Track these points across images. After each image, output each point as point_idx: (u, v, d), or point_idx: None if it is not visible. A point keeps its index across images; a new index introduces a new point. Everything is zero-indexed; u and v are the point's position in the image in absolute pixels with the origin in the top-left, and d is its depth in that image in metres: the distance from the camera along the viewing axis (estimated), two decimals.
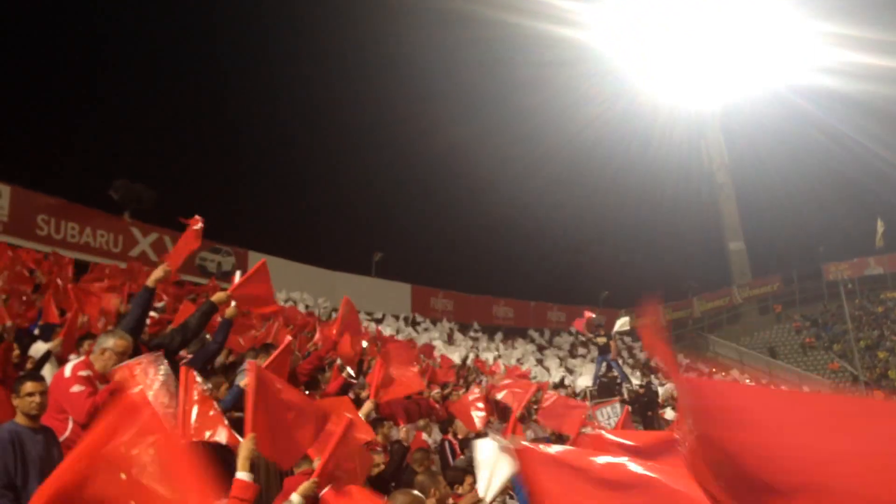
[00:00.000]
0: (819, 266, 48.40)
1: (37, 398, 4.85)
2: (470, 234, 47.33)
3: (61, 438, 5.07)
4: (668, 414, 20.92)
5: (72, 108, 36.58)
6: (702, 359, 41.43)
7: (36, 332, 8.47)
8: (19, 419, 4.81)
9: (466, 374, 18.95)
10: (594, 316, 22.36)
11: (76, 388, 5.18)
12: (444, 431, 10.30)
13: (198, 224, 6.86)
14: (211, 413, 4.86)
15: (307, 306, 26.00)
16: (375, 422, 7.61)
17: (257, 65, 44.68)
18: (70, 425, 5.19)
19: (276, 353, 7.09)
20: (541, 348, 34.99)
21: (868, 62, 40.53)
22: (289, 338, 8.23)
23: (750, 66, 44.82)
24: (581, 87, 44.99)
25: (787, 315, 46.93)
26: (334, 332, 9.77)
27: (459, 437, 9.79)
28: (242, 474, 4.31)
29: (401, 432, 8.09)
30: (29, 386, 4.91)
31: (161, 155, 36.95)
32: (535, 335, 37.89)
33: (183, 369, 4.96)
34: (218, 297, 6.82)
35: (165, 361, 4.90)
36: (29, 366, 7.04)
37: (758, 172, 47.59)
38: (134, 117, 37.87)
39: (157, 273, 6.34)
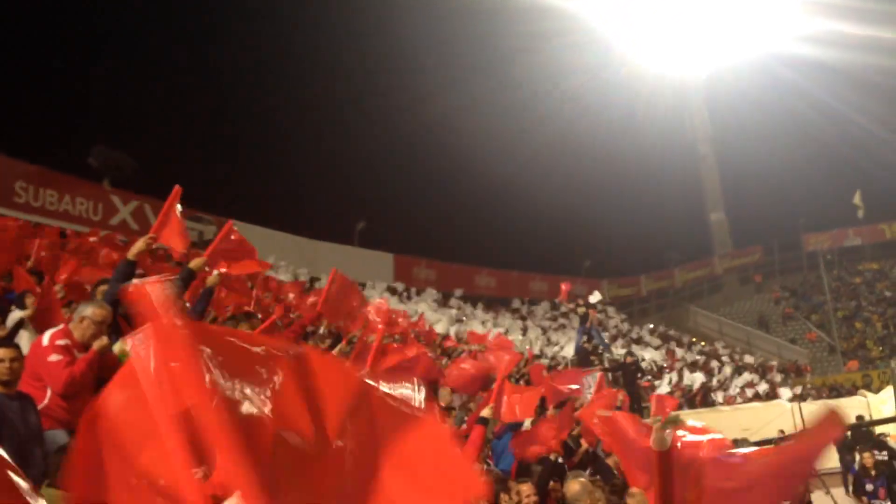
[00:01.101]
0: (799, 237, 48.76)
1: (7, 364, 4.81)
2: (453, 203, 47.27)
3: (39, 406, 5.05)
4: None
5: (50, 74, 36.03)
6: (682, 329, 41.80)
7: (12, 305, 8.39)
8: None
9: (449, 347, 19.02)
10: (571, 287, 22.44)
11: (53, 358, 5.17)
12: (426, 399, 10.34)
13: (177, 200, 6.78)
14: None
15: (297, 276, 25.96)
16: None
17: (240, 33, 44.12)
18: (48, 393, 5.17)
19: (261, 328, 7.10)
20: (523, 318, 35.15)
21: (852, 31, 40.55)
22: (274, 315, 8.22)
23: (734, 35, 44.70)
24: (565, 58, 44.74)
25: (767, 285, 47.38)
26: (318, 302, 9.77)
27: (443, 405, 9.85)
28: None
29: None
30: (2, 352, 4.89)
31: (141, 123, 36.53)
32: (518, 304, 38.04)
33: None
34: (196, 263, 6.80)
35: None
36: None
37: (739, 143, 47.69)
38: (114, 84, 37.36)
39: (139, 245, 6.30)
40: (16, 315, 7.29)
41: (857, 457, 13.61)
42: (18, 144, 24.70)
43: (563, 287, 21.57)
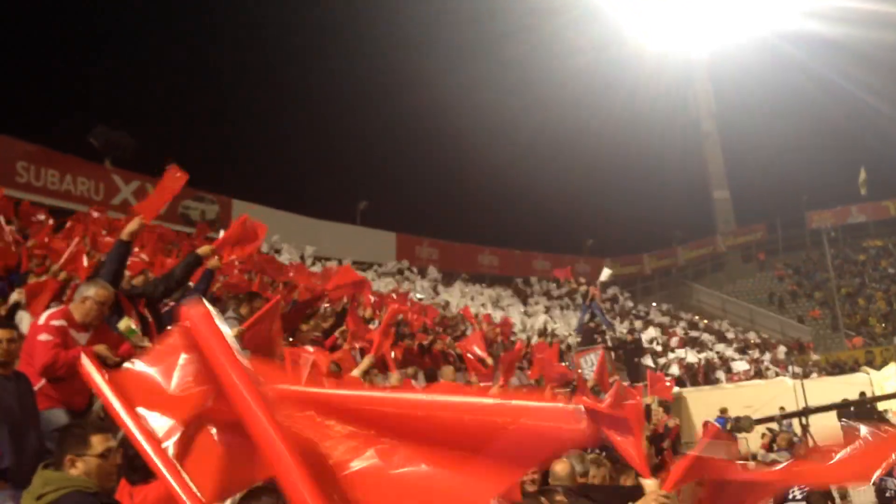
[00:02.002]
0: (803, 214, 48.58)
1: (3, 345, 4.81)
2: (455, 182, 47.18)
3: (37, 386, 5.03)
4: (648, 361, 21.17)
5: (52, 54, 35.91)
6: (685, 307, 41.79)
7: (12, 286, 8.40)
8: None
9: (453, 322, 19.05)
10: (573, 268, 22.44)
11: (43, 337, 5.14)
12: (429, 380, 10.36)
13: (177, 173, 6.74)
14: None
15: (302, 256, 25.98)
16: None
17: (242, 12, 43.84)
18: None
19: (261, 311, 7.09)
20: (525, 297, 35.17)
21: (857, 6, 40.22)
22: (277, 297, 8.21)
23: (738, 12, 44.36)
24: (567, 36, 44.51)
25: (770, 263, 47.26)
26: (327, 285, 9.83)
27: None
28: None
29: (391, 379, 8.14)
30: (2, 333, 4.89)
31: (143, 102, 36.43)
32: (520, 283, 38.05)
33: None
34: (203, 250, 6.79)
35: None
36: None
37: (743, 120, 47.44)
38: (115, 64, 37.22)
39: (132, 226, 6.24)
40: (15, 296, 7.29)
41: None
42: (20, 124, 24.69)
43: (559, 273, 21.57)
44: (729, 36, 45.58)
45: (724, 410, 17.30)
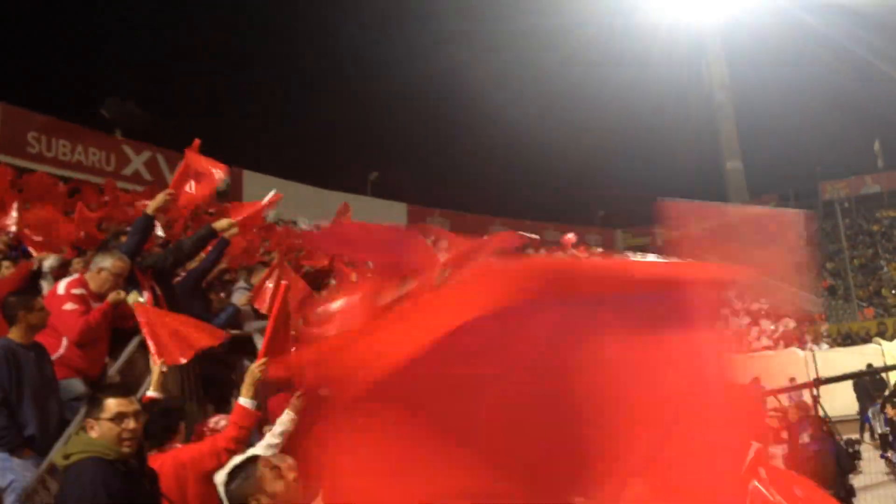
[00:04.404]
0: (816, 185, 48.23)
1: (45, 312, 4.92)
2: (467, 153, 46.97)
3: (54, 356, 5.09)
4: None
5: (62, 24, 35.76)
6: None
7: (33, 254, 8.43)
8: (13, 335, 4.81)
9: None
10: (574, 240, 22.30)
11: (69, 306, 5.19)
12: None
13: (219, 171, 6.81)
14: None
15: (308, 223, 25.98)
16: None
17: None
18: (64, 343, 5.20)
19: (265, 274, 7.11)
20: None
21: None
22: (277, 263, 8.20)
23: None
24: (577, 5, 43.90)
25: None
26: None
27: None
28: (245, 400, 4.37)
29: None
30: (41, 301, 5.00)
31: (154, 74, 36.30)
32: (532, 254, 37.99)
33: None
34: (220, 224, 6.75)
35: None
36: None
37: (756, 90, 46.91)
38: (126, 35, 37.14)
39: (158, 200, 6.29)
40: (51, 261, 7.34)
41: (879, 408, 13.60)
42: (31, 95, 24.66)
43: (566, 239, 21.48)
44: (742, 4, 44.97)
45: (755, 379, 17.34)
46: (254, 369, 4.42)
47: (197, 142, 6.95)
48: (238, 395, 4.54)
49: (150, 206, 6.32)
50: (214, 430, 4.51)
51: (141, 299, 5.68)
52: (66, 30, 35.64)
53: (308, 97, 45.20)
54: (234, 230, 6.98)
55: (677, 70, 45.72)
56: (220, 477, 3.79)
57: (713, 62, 48.07)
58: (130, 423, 3.44)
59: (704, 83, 48.77)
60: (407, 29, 43.12)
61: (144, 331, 4.80)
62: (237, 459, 3.94)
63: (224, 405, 5.85)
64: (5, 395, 4.60)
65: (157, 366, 4.67)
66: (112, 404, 3.43)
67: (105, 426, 3.39)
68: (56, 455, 3.55)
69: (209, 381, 6.18)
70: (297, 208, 26.85)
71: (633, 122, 46.85)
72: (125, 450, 3.44)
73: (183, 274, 7.41)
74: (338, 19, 44.40)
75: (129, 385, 4.44)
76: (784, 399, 14.86)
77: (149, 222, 6.31)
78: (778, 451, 11.53)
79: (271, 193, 7.82)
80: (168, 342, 4.81)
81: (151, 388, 4.62)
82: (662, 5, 44.96)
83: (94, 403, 3.46)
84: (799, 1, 42.29)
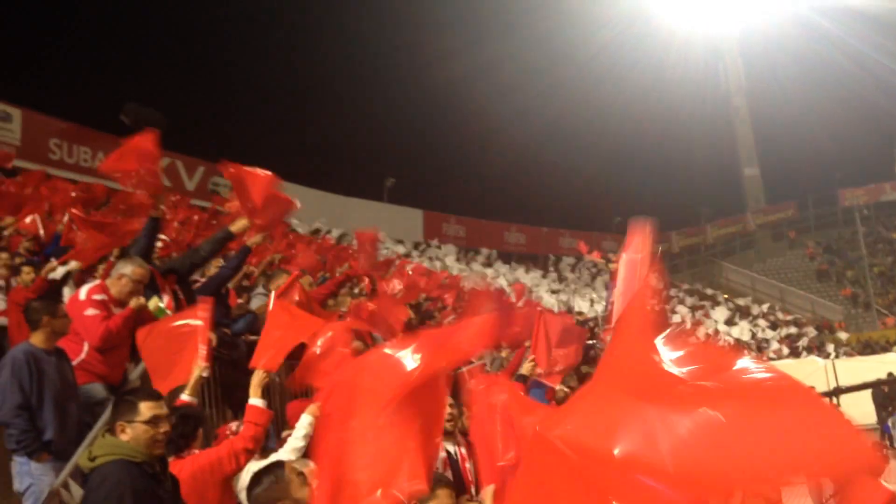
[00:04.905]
0: (835, 192, 47.89)
1: (68, 319, 4.97)
2: (482, 159, 47.04)
3: (76, 361, 5.13)
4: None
5: (83, 32, 36.13)
6: (714, 285, 41.48)
7: (53, 260, 8.50)
8: (35, 340, 4.85)
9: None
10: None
11: (90, 312, 5.23)
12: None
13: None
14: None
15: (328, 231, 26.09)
16: None
17: None
18: (85, 348, 5.24)
19: (286, 283, 7.08)
20: (560, 277, 35.12)
21: None
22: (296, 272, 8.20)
23: None
24: (594, 11, 43.89)
25: (800, 241, 46.70)
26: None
27: (474, 359, 9.83)
28: (256, 400, 4.41)
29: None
30: (64, 308, 5.06)
31: (172, 79, 36.59)
32: (547, 261, 37.98)
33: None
34: (237, 225, 6.69)
35: None
36: None
37: (774, 96, 46.64)
38: (146, 41, 37.46)
39: (240, 225, 6.48)
40: (60, 270, 7.40)
41: None
42: (52, 101, 24.92)
43: (583, 246, 21.42)
44: (760, 8, 44.77)
45: None
46: (258, 372, 4.50)
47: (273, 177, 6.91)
48: None
49: (234, 227, 6.50)
50: (234, 434, 4.54)
51: (161, 304, 5.71)
52: (86, 37, 35.99)
53: (326, 105, 45.39)
54: (258, 239, 6.98)
55: (694, 77, 45.56)
56: (242, 483, 3.80)
57: (730, 68, 47.86)
58: (164, 427, 3.51)
59: (721, 89, 48.56)
60: (423, 37, 43.23)
61: (198, 332, 4.76)
62: (257, 465, 3.96)
63: (243, 411, 5.87)
64: (26, 400, 4.64)
65: (198, 369, 4.65)
66: (146, 408, 3.47)
67: (140, 429, 3.43)
68: (80, 457, 3.58)
69: (228, 386, 6.21)
70: (314, 214, 26.92)
71: (650, 128, 46.77)
72: (157, 451, 3.50)
73: (203, 280, 7.44)
74: (355, 28, 44.63)
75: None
76: None
77: (155, 224, 6.37)
78: None
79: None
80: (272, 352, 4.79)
81: (187, 392, 4.62)
82: (679, 12, 44.80)
83: (127, 407, 3.49)
84: (817, 7, 42.07)
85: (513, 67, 46.22)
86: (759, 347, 27.45)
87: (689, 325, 27.43)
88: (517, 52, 46.59)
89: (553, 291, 29.35)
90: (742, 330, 29.34)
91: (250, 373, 4.62)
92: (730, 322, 30.76)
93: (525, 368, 6.87)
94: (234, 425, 4.73)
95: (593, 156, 47.20)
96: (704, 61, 46.83)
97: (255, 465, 4.05)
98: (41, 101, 23.80)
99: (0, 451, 5.09)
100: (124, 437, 3.42)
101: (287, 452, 4.32)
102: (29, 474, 4.67)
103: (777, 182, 48.57)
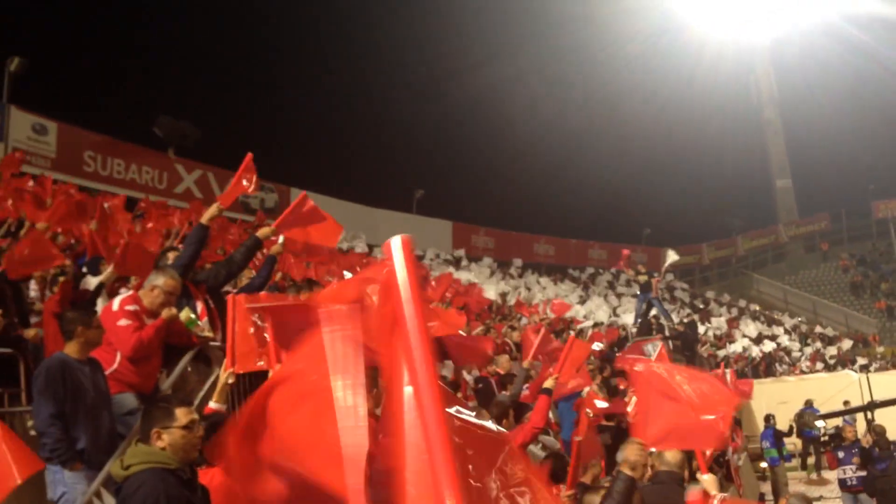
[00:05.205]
0: (868, 204, 47.23)
1: (102, 330, 5.04)
2: (512, 171, 47.00)
3: (108, 371, 5.19)
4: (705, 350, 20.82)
5: (117, 45, 36.69)
6: (745, 297, 41.03)
7: (84, 269, 8.60)
8: (69, 350, 4.92)
9: (505, 311, 19.01)
10: (630, 254, 22.16)
11: (122, 322, 5.29)
12: (480, 368, 10.34)
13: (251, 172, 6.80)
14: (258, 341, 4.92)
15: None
16: None
17: (297, 4, 44.25)
18: (118, 358, 5.30)
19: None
20: (585, 287, 34.95)
21: None
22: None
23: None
24: (624, 23, 43.79)
25: (833, 253, 46.08)
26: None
27: (501, 372, 9.84)
28: None
29: (442, 370, 8.18)
30: (98, 318, 5.13)
31: (205, 92, 37.04)
32: (576, 273, 37.83)
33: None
34: (263, 232, 6.82)
35: None
36: None
37: (807, 107, 46.12)
38: (178, 55, 37.94)
39: (211, 211, 6.43)
40: (93, 280, 7.49)
41: None
42: (87, 115, 25.32)
43: (625, 252, 21.30)
44: (792, 19, 44.37)
45: (809, 402, 17.21)
46: (222, 376, 4.56)
47: (250, 156, 6.95)
48: None
49: (205, 216, 6.46)
50: None
51: (193, 315, 5.78)
52: (119, 51, 36.56)
53: (355, 116, 45.66)
54: (279, 248, 7.04)
55: (725, 88, 45.27)
56: None
57: (762, 79, 47.46)
58: (199, 431, 3.57)
59: (753, 100, 48.16)
60: (452, 50, 43.40)
61: (229, 335, 4.80)
62: None
63: None
64: (60, 409, 4.70)
65: (224, 376, 4.68)
66: (182, 413, 3.53)
67: (177, 434, 3.48)
68: (113, 466, 3.61)
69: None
70: (343, 226, 27.01)
71: (681, 139, 46.49)
72: (193, 456, 3.55)
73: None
74: (384, 42, 44.87)
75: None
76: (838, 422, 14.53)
77: (204, 233, 6.46)
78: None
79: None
80: (247, 351, 4.82)
81: (215, 400, 4.64)
82: (710, 24, 44.54)
83: (162, 413, 3.53)
84: (849, 16, 41.60)
85: (542, 79, 46.28)
86: (792, 361, 27.07)
87: (722, 337, 27.15)
88: (546, 65, 46.68)
89: (581, 302, 29.18)
90: (773, 343, 28.94)
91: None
92: (761, 336, 30.37)
93: (548, 383, 6.99)
94: None
95: (623, 167, 47.05)
96: (735, 72, 46.53)
97: None
98: (76, 115, 24.21)
99: None
100: (161, 444, 3.46)
101: None
102: (62, 483, 4.71)
103: (809, 193, 48.10)
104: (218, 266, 6.89)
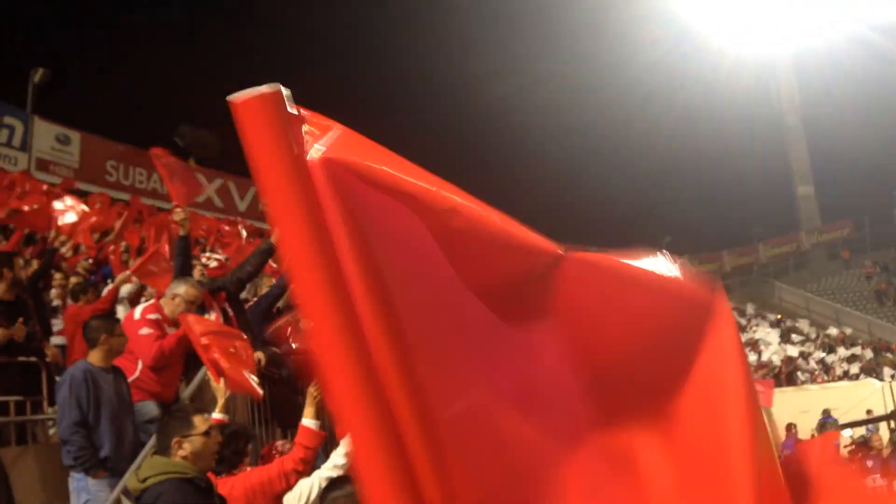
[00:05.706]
0: (892, 210, 46.72)
1: (125, 338, 5.10)
2: (527, 179, 46.92)
3: (130, 379, 5.24)
4: None
5: (139, 56, 37.08)
6: (767, 305, 40.67)
7: (108, 280, 8.69)
8: (93, 358, 4.97)
9: None
10: None
11: (144, 331, 5.34)
12: None
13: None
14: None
15: None
16: None
17: (312, 11, 44.52)
18: (139, 366, 5.35)
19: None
20: None
21: None
22: None
23: (827, 3, 42.70)
24: (643, 29, 43.59)
25: (857, 261, 45.57)
26: None
27: None
28: (309, 421, 4.37)
29: None
30: (121, 327, 5.19)
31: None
32: None
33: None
34: (177, 215, 6.58)
35: None
36: None
37: (829, 113, 45.72)
38: (198, 64, 38.25)
39: (178, 216, 6.39)
40: (128, 287, 7.56)
41: None
42: (109, 124, 25.60)
43: None
44: (815, 25, 44.03)
45: (826, 411, 17.02)
46: (312, 390, 4.43)
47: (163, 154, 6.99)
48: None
49: (180, 227, 6.46)
50: (282, 453, 4.54)
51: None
52: (141, 62, 36.92)
53: (367, 123, 45.56)
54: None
55: (747, 94, 44.99)
56: (288, 499, 3.83)
57: (784, 86, 47.12)
58: (217, 437, 3.59)
59: (775, 106, 47.83)
60: (467, 58, 43.47)
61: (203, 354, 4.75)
62: (307, 482, 4.00)
63: (292, 428, 5.92)
64: (84, 417, 4.74)
65: (220, 387, 4.68)
66: (200, 420, 3.56)
67: (198, 441, 3.51)
68: (130, 480, 3.63)
69: (276, 403, 6.25)
70: None
71: (701, 146, 46.25)
72: (212, 464, 3.58)
73: (254, 300, 7.53)
74: (398, 49, 45.00)
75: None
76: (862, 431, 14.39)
77: (184, 243, 6.46)
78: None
79: None
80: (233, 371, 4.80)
81: (217, 411, 4.62)
82: (731, 30, 44.33)
83: (181, 422, 3.55)
84: (872, 23, 41.29)
85: (561, 86, 46.18)
86: (814, 370, 26.81)
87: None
88: (565, 72, 46.57)
89: None
90: (794, 351, 28.68)
91: (297, 391, 4.65)
92: (782, 344, 30.12)
93: None
94: (279, 444, 4.75)
95: (643, 174, 46.88)
96: (757, 79, 46.21)
97: (303, 482, 4.08)
98: (99, 125, 24.45)
99: (57, 466, 5.20)
100: (182, 453, 3.48)
101: (328, 469, 4.15)
102: (86, 490, 4.76)
103: (832, 200, 47.62)
104: (233, 273, 6.89)
